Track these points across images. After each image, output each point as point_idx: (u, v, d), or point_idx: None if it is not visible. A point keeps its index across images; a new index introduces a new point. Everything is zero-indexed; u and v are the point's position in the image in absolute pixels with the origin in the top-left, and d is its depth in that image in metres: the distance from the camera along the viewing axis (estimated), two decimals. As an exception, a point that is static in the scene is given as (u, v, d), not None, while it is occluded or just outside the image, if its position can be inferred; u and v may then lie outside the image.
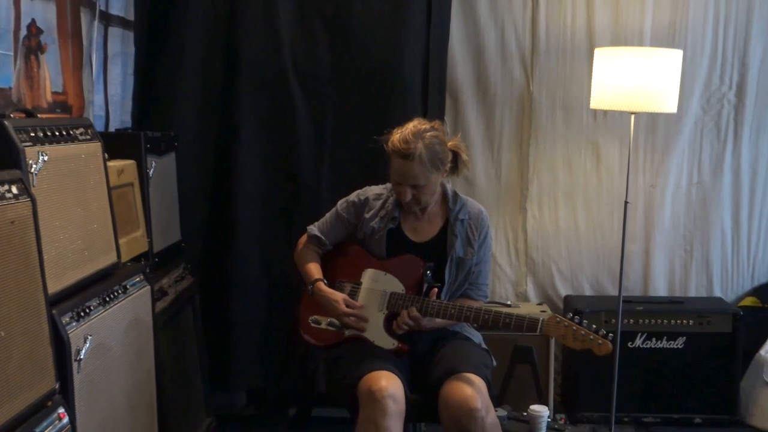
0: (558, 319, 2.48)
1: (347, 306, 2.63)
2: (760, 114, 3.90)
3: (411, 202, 2.62)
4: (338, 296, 2.66)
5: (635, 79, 3.32)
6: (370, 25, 3.56)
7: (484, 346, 2.74)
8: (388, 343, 2.58)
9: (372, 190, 2.79)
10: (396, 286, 2.63)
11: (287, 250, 2.99)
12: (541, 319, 2.48)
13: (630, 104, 3.37)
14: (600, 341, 2.42)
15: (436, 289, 2.59)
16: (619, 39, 3.82)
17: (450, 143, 2.66)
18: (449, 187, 2.74)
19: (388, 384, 2.35)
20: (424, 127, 2.59)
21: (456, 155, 2.66)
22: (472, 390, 2.36)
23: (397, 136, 2.58)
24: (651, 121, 3.89)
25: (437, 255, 2.67)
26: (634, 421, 3.71)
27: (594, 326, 2.46)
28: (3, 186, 1.78)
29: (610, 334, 2.45)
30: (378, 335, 2.60)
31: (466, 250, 2.67)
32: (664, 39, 3.82)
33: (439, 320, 2.59)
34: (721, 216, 3.96)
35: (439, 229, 2.72)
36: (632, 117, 3.49)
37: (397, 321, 2.56)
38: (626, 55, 3.38)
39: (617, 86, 3.36)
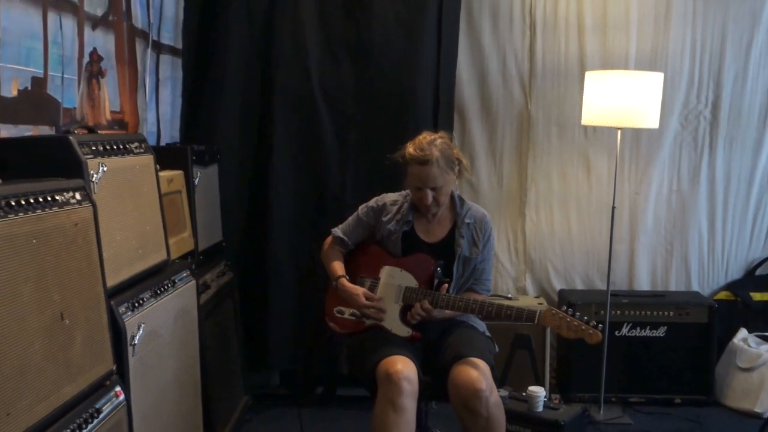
0: (554, 311, 2.46)
1: (367, 299, 2.62)
2: (733, 129, 3.87)
3: (432, 204, 2.59)
4: (359, 290, 2.65)
5: (621, 98, 3.31)
6: (387, 53, 3.56)
7: (487, 333, 2.72)
8: (403, 331, 2.57)
9: (389, 197, 2.78)
10: (410, 281, 2.62)
11: (315, 249, 2.99)
12: (538, 311, 2.46)
13: (617, 121, 3.36)
14: (591, 331, 2.40)
15: (446, 285, 2.59)
16: (607, 63, 3.80)
17: (453, 150, 2.65)
18: (456, 193, 2.73)
19: (404, 367, 2.34)
20: (433, 136, 2.59)
21: (459, 161, 2.65)
22: (477, 373, 2.35)
23: (411, 147, 2.57)
24: (635, 135, 3.86)
25: (446, 254, 2.66)
26: (620, 401, 3.67)
27: (585, 317, 2.44)
28: (68, 193, 1.79)
29: (600, 325, 2.42)
30: (395, 324, 2.59)
31: (471, 249, 2.65)
32: (646, 63, 3.80)
33: (448, 311, 2.57)
34: (698, 219, 3.93)
35: (448, 231, 2.70)
36: (619, 132, 3.47)
37: (411, 312, 2.55)
38: (613, 77, 3.37)
39: (605, 105, 3.35)
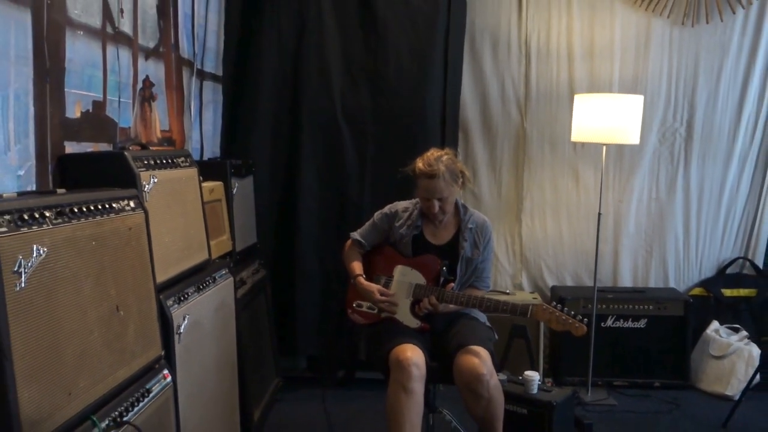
0: (544, 306, 2.43)
1: (381, 295, 2.62)
2: (705, 145, 3.83)
3: (438, 212, 2.59)
4: (373, 287, 2.64)
5: (606, 118, 3.29)
6: (401, 78, 3.56)
7: (488, 324, 2.70)
8: (413, 323, 2.56)
9: (401, 205, 2.77)
10: (419, 279, 2.61)
11: (337, 250, 2.97)
12: (530, 306, 2.44)
13: (602, 137, 3.33)
14: (577, 324, 2.37)
15: (451, 284, 2.58)
16: (593, 87, 3.78)
17: (457, 165, 2.64)
18: (460, 202, 2.72)
19: (413, 354, 2.33)
20: (439, 153, 2.58)
21: (462, 174, 2.64)
22: (479, 360, 2.33)
23: (421, 163, 2.56)
24: (619, 150, 3.83)
25: (451, 255, 2.64)
26: (606, 385, 3.64)
27: (573, 312, 2.41)
28: (123, 201, 1.80)
29: (585, 319, 2.39)
30: (406, 317, 2.58)
31: (473, 251, 2.64)
32: (628, 87, 3.78)
33: (452, 306, 2.56)
34: (674, 224, 3.89)
35: (453, 235, 2.69)
36: (604, 147, 3.45)
37: (419, 305, 2.55)
38: (599, 99, 3.35)
39: (592, 124, 3.33)
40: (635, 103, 3.31)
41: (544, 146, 3.87)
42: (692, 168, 3.85)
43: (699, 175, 3.86)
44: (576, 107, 3.42)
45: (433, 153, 2.59)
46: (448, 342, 2.49)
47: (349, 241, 2.84)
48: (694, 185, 3.86)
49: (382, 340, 2.48)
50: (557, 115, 3.82)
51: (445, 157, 2.56)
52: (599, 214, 3.46)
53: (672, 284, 3.92)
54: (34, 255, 1.38)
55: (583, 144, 3.80)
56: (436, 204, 2.57)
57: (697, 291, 3.88)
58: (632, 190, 3.87)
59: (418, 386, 2.31)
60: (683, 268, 3.93)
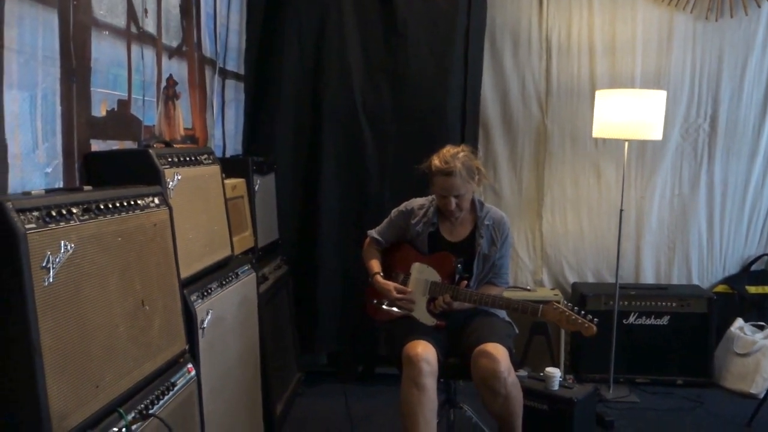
0: (554, 306, 2.37)
1: (398, 292, 2.61)
2: (729, 140, 3.77)
3: (455, 209, 2.56)
4: (390, 285, 2.63)
5: (628, 113, 3.24)
6: (421, 76, 3.54)
7: (507, 319, 2.67)
8: (429, 320, 2.54)
9: (417, 202, 2.75)
10: (435, 276, 2.58)
11: (357, 246, 2.98)
12: (540, 306, 2.38)
13: (624, 133, 3.29)
14: (587, 324, 2.31)
15: (465, 282, 2.55)
16: (615, 82, 3.73)
17: (474, 162, 2.60)
18: (477, 198, 2.69)
19: (423, 351, 2.32)
20: (455, 150, 2.55)
21: (479, 170, 2.61)
22: (496, 357, 2.30)
23: (437, 160, 2.53)
24: (641, 146, 3.79)
25: (468, 252, 2.61)
26: (628, 382, 3.59)
27: (582, 311, 2.34)
28: (148, 198, 1.82)
29: (596, 319, 2.33)
30: (422, 315, 2.56)
31: (490, 248, 2.60)
32: (651, 82, 3.72)
33: (466, 304, 2.54)
34: (698, 220, 3.83)
35: (469, 232, 2.66)
36: (626, 143, 3.40)
37: (434, 303, 2.53)
38: (621, 95, 3.30)
39: (614, 119, 3.28)
40: (658, 98, 3.27)
41: (565, 142, 3.83)
42: (716, 164, 3.79)
43: (723, 171, 3.80)
44: (597, 103, 3.38)
45: (449, 150, 2.56)
46: (466, 338, 2.48)
47: (367, 239, 2.84)
48: (718, 181, 3.80)
49: (396, 337, 2.48)
50: (578, 111, 3.78)
51: (461, 154, 2.54)
52: (621, 210, 3.42)
53: (695, 281, 3.86)
54: (62, 251, 1.40)
55: (604, 140, 3.76)
56: (453, 201, 2.54)
57: (721, 288, 3.82)
58: (654, 186, 3.82)
59: (429, 382, 2.30)
60: (707, 264, 3.87)
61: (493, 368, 2.29)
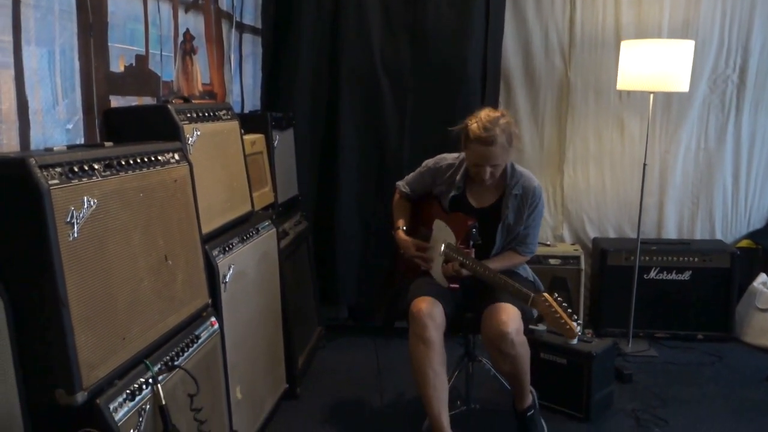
0: (543, 298, 2.25)
1: (418, 249, 2.58)
2: (759, 93, 3.66)
3: (489, 177, 2.43)
4: (409, 242, 2.60)
5: (654, 65, 3.15)
6: (441, 30, 3.47)
7: (530, 278, 2.63)
8: (443, 281, 2.50)
9: (447, 159, 2.63)
10: (451, 237, 2.51)
11: (376, 201, 2.98)
12: (531, 295, 2.28)
13: (649, 85, 3.21)
14: (568, 326, 2.19)
15: (474, 249, 2.45)
16: (641, 33, 3.62)
17: (514, 129, 2.44)
18: (509, 163, 2.53)
19: (427, 306, 2.32)
20: (495, 115, 2.37)
21: (516, 136, 2.47)
22: (506, 317, 2.28)
23: (475, 125, 2.33)
24: (666, 99, 3.69)
25: (492, 219, 2.52)
26: (647, 336, 3.60)
27: (570, 310, 2.23)
28: (168, 154, 1.83)
29: (579, 321, 2.24)
30: (437, 275, 2.53)
31: (516, 219, 2.51)
32: (678, 32, 3.60)
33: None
34: (723, 175, 3.76)
35: (495, 199, 2.55)
36: (651, 96, 3.33)
37: (445, 267, 2.48)
38: (647, 45, 3.20)
39: (639, 71, 3.20)
40: (685, 48, 3.17)
41: (588, 95, 3.75)
42: (744, 117, 3.69)
43: (751, 124, 3.70)
44: (622, 54, 3.29)
45: (488, 114, 2.36)
46: (480, 295, 2.46)
47: (396, 192, 2.78)
48: (746, 135, 3.71)
49: (409, 293, 2.47)
50: (603, 62, 3.69)
51: (502, 120, 2.36)
52: (644, 164, 3.36)
53: (719, 236, 3.82)
54: (85, 206, 1.41)
55: (629, 93, 3.67)
56: (488, 171, 2.39)
57: (744, 243, 3.77)
58: (680, 140, 3.74)
59: (434, 335, 2.30)
60: (731, 219, 3.82)
61: (501, 330, 2.26)
